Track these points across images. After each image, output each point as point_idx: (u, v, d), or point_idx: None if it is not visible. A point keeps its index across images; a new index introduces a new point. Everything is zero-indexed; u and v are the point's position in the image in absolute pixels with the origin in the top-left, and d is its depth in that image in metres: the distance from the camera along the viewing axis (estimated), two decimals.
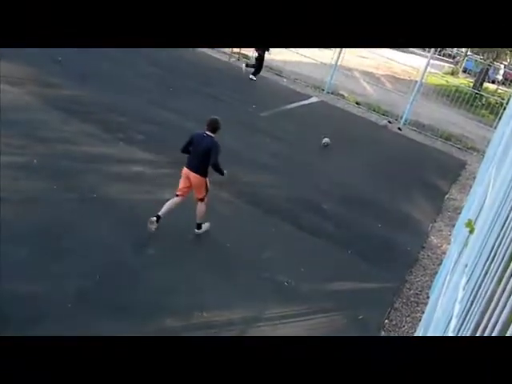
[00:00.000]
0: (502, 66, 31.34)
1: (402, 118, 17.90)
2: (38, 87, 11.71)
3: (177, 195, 7.67)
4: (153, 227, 7.48)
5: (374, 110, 18.39)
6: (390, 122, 17.68)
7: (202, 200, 7.77)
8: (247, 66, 17.81)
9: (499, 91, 28.96)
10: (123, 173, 9.20)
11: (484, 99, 22.58)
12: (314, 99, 17.34)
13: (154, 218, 7.49)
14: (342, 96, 18.98)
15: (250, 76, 17.49)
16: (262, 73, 18.62)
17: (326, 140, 13.07)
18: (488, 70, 25.99)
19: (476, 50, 27.95)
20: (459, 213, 11.22)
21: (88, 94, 12.04)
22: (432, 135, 17.56)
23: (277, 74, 19.39)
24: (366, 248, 9.04)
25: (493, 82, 30.95)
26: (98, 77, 13.48)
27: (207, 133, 7.46)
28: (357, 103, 18.76)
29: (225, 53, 19.91)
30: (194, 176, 7.53)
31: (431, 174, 14.09)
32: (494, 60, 25.65)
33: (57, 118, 10.48)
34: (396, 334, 6.99)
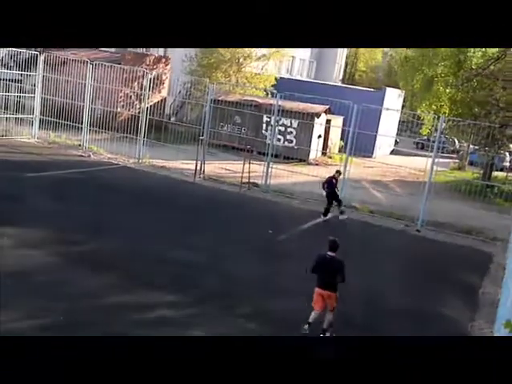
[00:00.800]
0: (508, 154, 31.87)
1: (418, 219, 17.92)
2: (59, 246, 11.99)
3: (317, 310, 8.94)
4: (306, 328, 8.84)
5: (389, 216, 18.48)
6: (407, 225, 17.68)
7: (332, 311, 8.96)
8: (342, 212, 17.62)
9: (510, 178, 29.16)
10: (148, 318, 9.16)
11: (496, 188, 22.69)
12: (329, 215, 17.51)
13: (307, 326, 8.83)
14: (355, 208, 19.20)
15: (340, 217, 17.44)
16: (274, 197, 19.04)
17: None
18: (493, 159, 26.42)
19: (478, 145, 28.56)
20: (497, 307, 10.85)
21: (105, 246, 12.28)
22: (452, 232, 17.46)
23: (288, 197, 19.81)
24: None
25: (501, 170, 31.28)
26: (111, 225, 13.84)
27: (329, 253, 8.76)
28: (371, 212, 18.91)
29: (235, 184, 20.53)
30: (327, 294, 8.81)
31: (459, 270, 13.83)
32: (497, 151, 26.17)
33: (79, 273, 10.62)
34: None
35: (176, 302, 9.88)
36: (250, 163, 19.90)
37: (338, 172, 17.73)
